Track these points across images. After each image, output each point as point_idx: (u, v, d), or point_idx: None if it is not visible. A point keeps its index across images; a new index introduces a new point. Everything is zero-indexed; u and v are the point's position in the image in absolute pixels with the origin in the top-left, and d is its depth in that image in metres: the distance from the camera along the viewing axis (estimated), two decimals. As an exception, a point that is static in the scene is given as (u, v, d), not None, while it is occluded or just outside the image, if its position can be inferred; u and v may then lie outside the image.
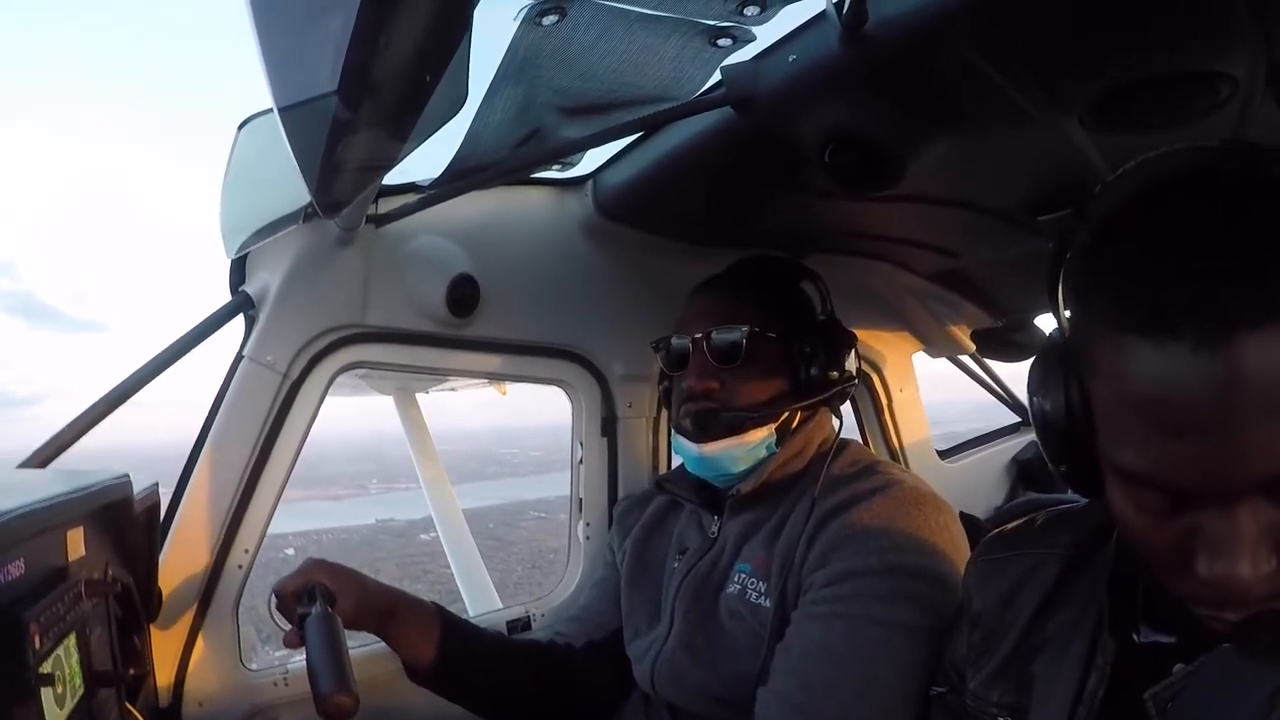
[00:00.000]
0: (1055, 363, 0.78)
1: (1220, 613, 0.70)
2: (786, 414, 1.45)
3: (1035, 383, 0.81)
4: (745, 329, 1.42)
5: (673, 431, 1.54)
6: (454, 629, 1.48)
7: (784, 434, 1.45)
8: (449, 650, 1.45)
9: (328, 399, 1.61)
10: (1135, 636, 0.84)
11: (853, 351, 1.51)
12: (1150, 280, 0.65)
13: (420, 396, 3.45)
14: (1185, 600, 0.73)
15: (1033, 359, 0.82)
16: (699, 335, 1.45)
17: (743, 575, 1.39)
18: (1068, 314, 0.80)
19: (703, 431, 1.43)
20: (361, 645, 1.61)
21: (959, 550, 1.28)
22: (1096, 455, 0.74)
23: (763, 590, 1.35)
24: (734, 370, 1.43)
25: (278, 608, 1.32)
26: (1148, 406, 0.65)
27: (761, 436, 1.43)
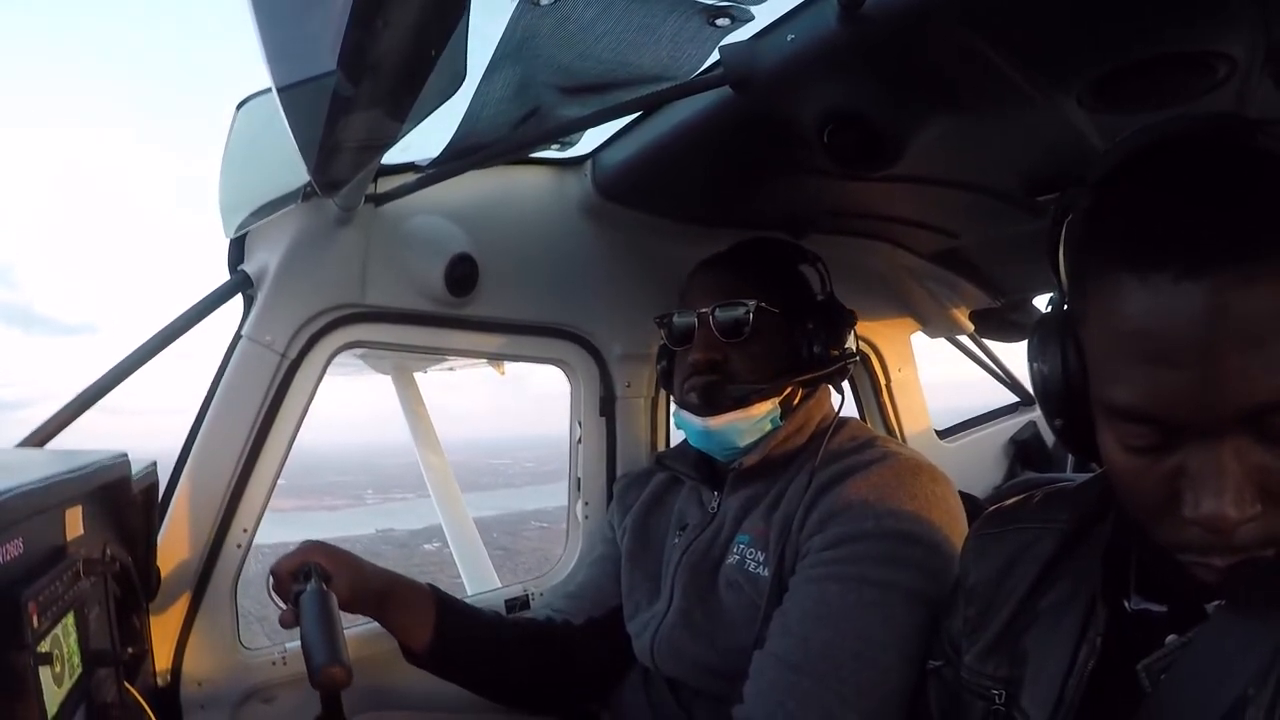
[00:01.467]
0: (1053, 325, 0.81)
1: (1207, 558, 0.71)
2: (789, 389, 1.46)
3: (1034, 349, 0.83)
4: (750, 304, 1.43)
5: (675, 408, 1.54)
6: (450, 610, 1.49)
7: (786, 409, 1.46)
8: (445, 632, 1.45)
9: (325, 382, 1.61)
10: (1126, 603, 0.85)
11: (853, 330, 1.52)
12: (1139, 225, 0.70)
13: (418, 375, 3.46)
14: (1174, 550, 0.74)
15: (1032, 327, 0.85)
16: (704, 310, 1.46)
17: (742, 546, 1.40)
18: (1065, 277, 0.82)
19: (708, 405, 1.44)
20: (358, 625, 1.61)
21: (955, 520, 1.30)
22: (1090, 410, 0.77)
23: (761, 560, 1.36)
24: (738, 345, 1.44)
25: (274, 588, 1.33)
26: (1136, 338, 0.68)
27: (766, 410, 1.43)
